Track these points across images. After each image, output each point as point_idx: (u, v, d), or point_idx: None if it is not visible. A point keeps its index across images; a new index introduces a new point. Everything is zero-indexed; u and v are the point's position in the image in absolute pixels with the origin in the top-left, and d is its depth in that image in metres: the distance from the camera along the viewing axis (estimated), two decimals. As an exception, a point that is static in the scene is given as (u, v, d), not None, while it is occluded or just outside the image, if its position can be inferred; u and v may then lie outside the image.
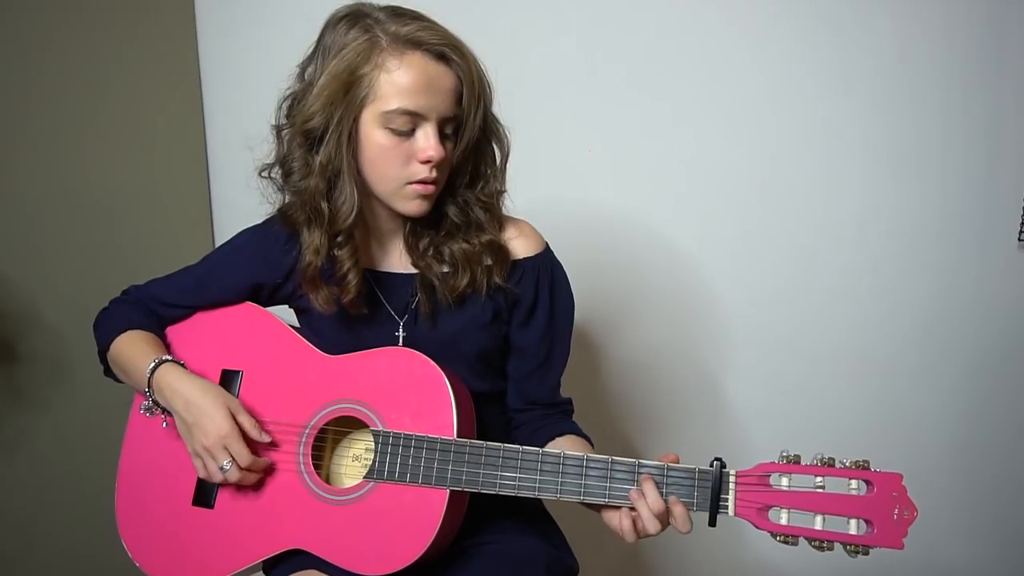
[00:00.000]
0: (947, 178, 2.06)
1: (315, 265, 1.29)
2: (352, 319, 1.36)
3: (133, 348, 1.37)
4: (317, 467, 1.30)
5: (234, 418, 1.28)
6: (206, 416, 1.27)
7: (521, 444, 1.21)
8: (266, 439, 1.29)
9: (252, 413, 1.31)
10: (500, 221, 1.36)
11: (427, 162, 1.22)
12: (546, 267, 1.38)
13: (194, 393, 1.29)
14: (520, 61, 2.01)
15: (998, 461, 2.15)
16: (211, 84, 2.14)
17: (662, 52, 2.06)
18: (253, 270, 1.40)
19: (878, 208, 2.07)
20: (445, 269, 1.33)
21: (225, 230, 2.16)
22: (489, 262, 1.32)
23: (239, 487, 1.31)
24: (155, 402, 1.33)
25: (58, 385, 1.92)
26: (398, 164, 1.23)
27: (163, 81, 2.07)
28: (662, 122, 2.08)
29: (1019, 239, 2.04)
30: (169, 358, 1.34)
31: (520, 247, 1.36)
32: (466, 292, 1.33)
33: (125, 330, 1.39)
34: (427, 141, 1.22)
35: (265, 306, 1.43)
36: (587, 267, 1.97)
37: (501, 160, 1.34)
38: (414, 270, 1.35)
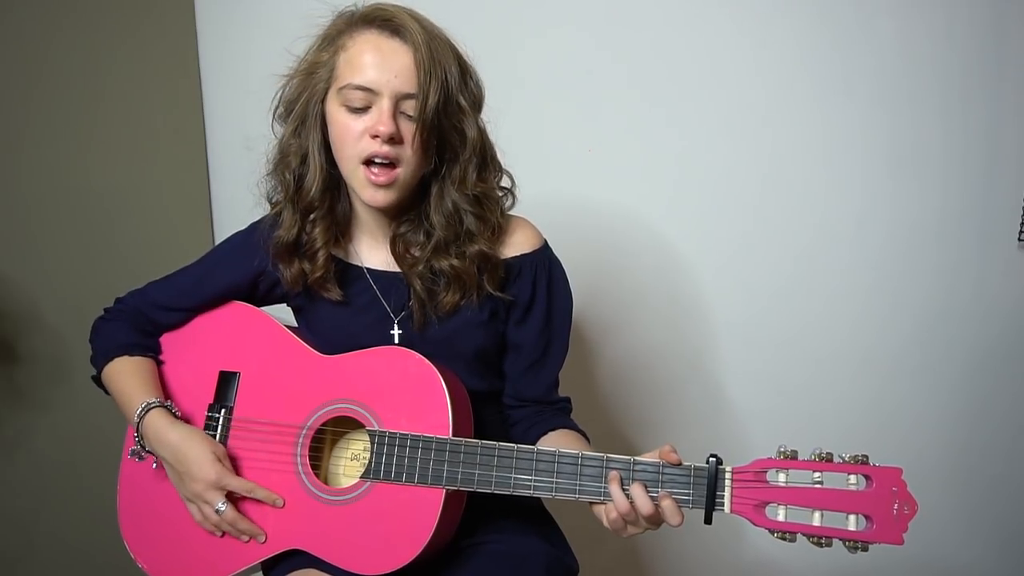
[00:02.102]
0: (947, 178, 2.06)
1: (284, 240, 1.32)
2: (349, 317, 1.36)
3: (123, 384, 1.37)
4: (315, 467, 1.31)
5: (220, 462, 1.30)
6: (194, 464, 1.28)
7: (517, 441, 1.21)
8: (248, 490, 1.29)
9: (250, 417, 1.33)
10: (496, 228, 1.34)
11: (376, 136, 1.22)
12: (544, 264, 1.37)
13: (180, 442, 1.30)
14: (522, 61, 2.01)
15: (998, 461, 2.15)
16: (211, 84, 2.14)
17: (662, 52, 2.06)
18: (251, 264, 1.40)
19: (878, 208, 2.07)
20: (434, 283, 1.33)
21: (225, 230, 2.15)
22: (480, 267, 1.32)
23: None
24: (142, 446, 1.34)
25: (58, 385, 1.92)
26: (353, 141, 1.24)
27: (163, 81, 2.07)
28: (662, 122, 2.08)
29: (1019, 239, 2.04)
30: (155, 402, 1.33)
31: (517, 244, 1.36)
32: (458, 306, 1.33)
33: (115, 357, 1.39)
34: (379, 115, 1.22)
35: (262, 304, 1.43)
36: (586, 266, 1.98)
37: (473, 151, 1.30)
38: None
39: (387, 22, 1.23)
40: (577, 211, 2.09)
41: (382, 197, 1.26)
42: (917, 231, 2.08)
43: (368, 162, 1.24)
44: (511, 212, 1.40)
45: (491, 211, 1.33)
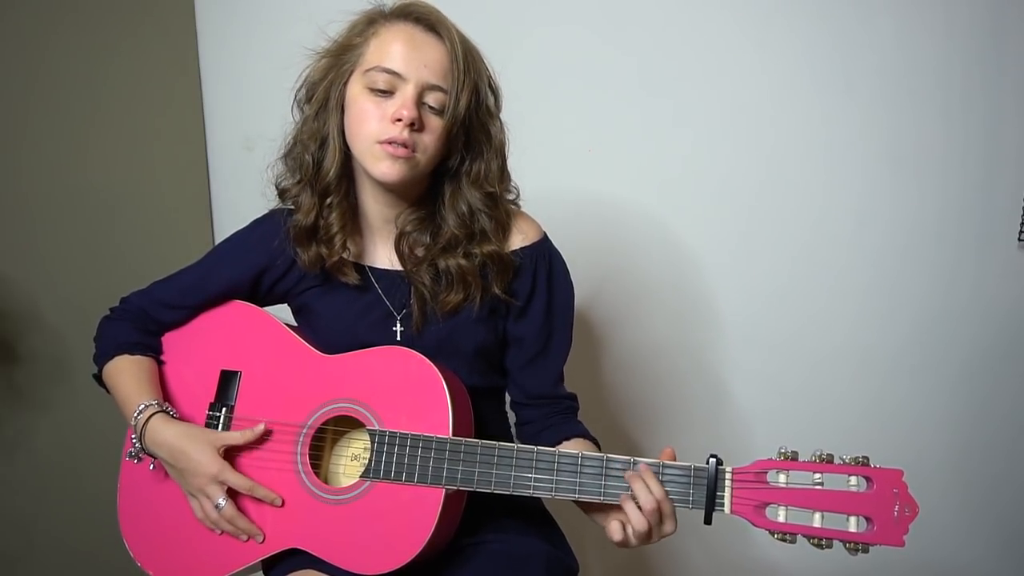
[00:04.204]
0: (947, 178, 2.06)
1: (303, 224, 1.33)
2: (350, 316, 1.36)
3: (120, 384, 1.37)
4: (316, 467, 1.31)
5: (222, 454, 1.30)
6: (193, 460, 1.28)
7: (525, 443, 1.21)
8: (248, 488, 1.29)
9: (250, 416, 1.33)
10: (505, 228, 1.36)
11: (399, 121, 1.22)
12: (544, 256, 1.38)
13: (176, 440, 1.30)
14: (524, 58, 2.01)
15: (998, 461, 2.15)
16: (211, 84, 2.14)
17: (664, 50, 2.06)
18: (253, 260, 1.40)
19: (878, 207, 2.07)
20: (437, 282, 1.33)
21: (225, 230, 2.15)
22: (489, 268, 1.33)
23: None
24: (140, 447, 1.34)
25: (58, 385, 1.92)
26: (373, 122, 1.24)
27: (163, 81, 2.07)
28: (664, 119, 2.08)
29: (1019, 239, 2.04)
30: (154, 404, 1.33)
31: (517, 237, 1.37)
32: (459, 307, 1.33)
33: (114, 355, 1.40)
34: (402, 101, 1.23)
35: (264, 303, 1.43)
36: (588, 263, 1.98)
37: (495, 152, 1.33)
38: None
39: (424, 17, 1.26)
40: (580, 208, 2.10)
41: (396, 170, 1.24)
42: (917, 231, 2.08)
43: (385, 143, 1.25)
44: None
45: (504, 212, 1.35)
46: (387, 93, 1.24)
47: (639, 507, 1.14)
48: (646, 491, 1.14)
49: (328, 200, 1.33)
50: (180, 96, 2.12)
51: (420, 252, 1.34)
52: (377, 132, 1.23)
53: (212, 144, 2.18)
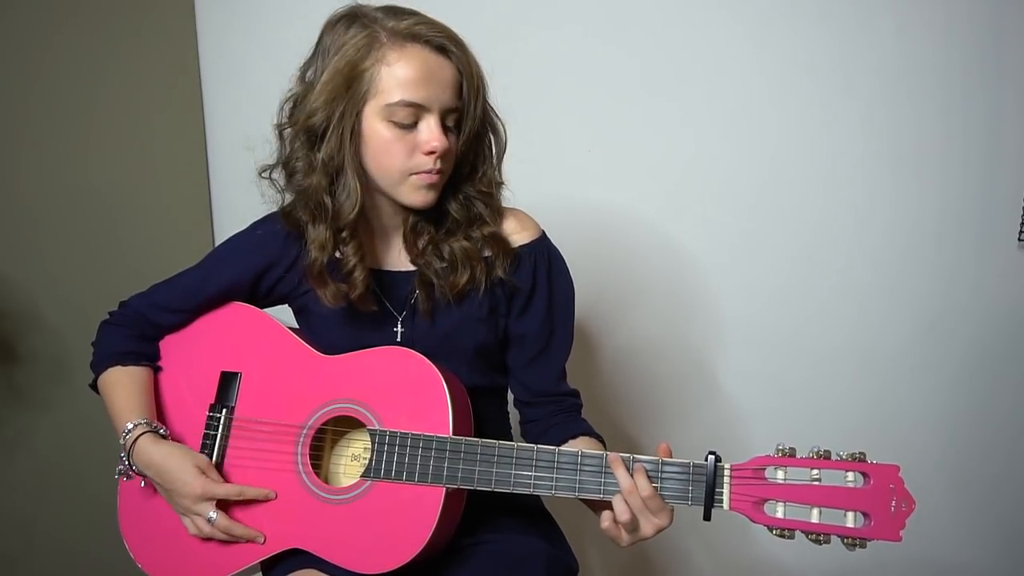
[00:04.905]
0: (947, 178, 2.06)
1: (321, 261, 1.30)
2: (351, 317, 1.36)
3: (112, 398, 1.37)
4: (316, 467, 1.31)
5: (205, 474, 1.29)
6: (178, 480, 1.28)
7: (531, 442, 1.21)
8: (237, 494, 1.29)
9: (251, 417, 1.34)
10: (499, 213, 1.36)
11: (431, 153, 1.23)
12: (543, 254, 1.38)
13: (162, 461, 1.29)
14: (522, 59, 2.01)
15: (998, 461, 2.15)
16: (211, 84, 2.14)
17: (663, 50, 2.06)
18: (252, 262, 1.40)
19: (878, 207, 2.07)
20: (444, 266, 1.33)
21: (225, 230, 2.16)
22: (488, 253, 1.33)
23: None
24: (129, 466, 1.33)
25: (58, 385, 1.92)
26: (402, 156, 1.24)
27: (163, 81, 2.08)
28: (662, 119, 2.08)
29: (1019, 239, 2.04)
30: (141, 423, 1.32)
31: (516, 235, 1.37)
32: (465, 288, 1.33)
33: (108, 367, 1.39)
34: (431, 132, 1.23)
35: (264, 304, 1.43)
36: (587, 264, 1.97)
37: (498, 150, 1.35)
38: (412, 267, 1.36)
39: (434, 39, 1.22)
40: (577, 209, 2.09)
41: (432, 196, 1.28)
42: (917, 230, 2.08)
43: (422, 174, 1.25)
44: (505, 205, 1.41)
45: (496, 198, 1.36)
46: (411, 125, 1.23)
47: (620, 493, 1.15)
48: (625, 476, 1.15)
49: (343, 233, 1.30)
50: (180, 96, 2.12)
51: (425, 239, 1.34)
52: (410, 165, 1.24)
53: (212, 144, 2.18)
